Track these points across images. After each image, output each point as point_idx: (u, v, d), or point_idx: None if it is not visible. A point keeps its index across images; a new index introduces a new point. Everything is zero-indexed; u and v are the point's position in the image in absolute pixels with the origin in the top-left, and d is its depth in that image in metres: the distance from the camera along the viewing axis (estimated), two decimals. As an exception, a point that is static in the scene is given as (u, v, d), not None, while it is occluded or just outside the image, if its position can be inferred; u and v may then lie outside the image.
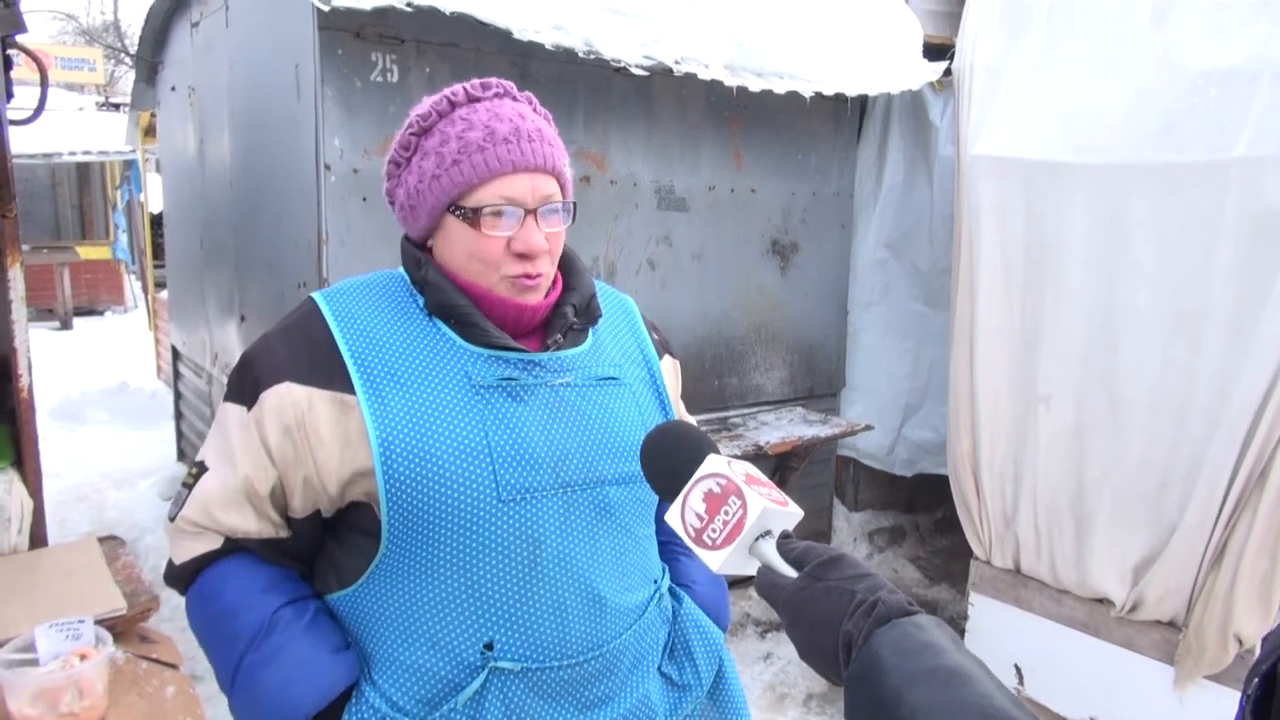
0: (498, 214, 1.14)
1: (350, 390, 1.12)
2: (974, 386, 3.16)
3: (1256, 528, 2.49)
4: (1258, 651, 0.66)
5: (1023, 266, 3.02)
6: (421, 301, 1.20)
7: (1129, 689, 2.89)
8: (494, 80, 1.21)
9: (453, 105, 1.17)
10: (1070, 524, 2.99)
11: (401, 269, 1.26)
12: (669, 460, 0.96)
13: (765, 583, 0.86)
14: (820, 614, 0.79)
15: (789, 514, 0.87)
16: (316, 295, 1.21)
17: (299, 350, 1.15)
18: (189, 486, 1.19)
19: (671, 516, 0.91)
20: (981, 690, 0.67)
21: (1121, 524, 2.85)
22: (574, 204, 1.23)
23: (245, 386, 1.16)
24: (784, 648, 3.65)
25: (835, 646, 0.77)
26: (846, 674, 0.75)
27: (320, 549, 1.24)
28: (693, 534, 0.89)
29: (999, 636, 3.23)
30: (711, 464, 0.91)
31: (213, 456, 1.19)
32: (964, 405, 3.22)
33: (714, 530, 0.87)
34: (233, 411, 1.17)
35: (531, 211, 1.15)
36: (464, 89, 1.19)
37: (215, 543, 1.18)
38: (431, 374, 1.14)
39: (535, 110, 1.22)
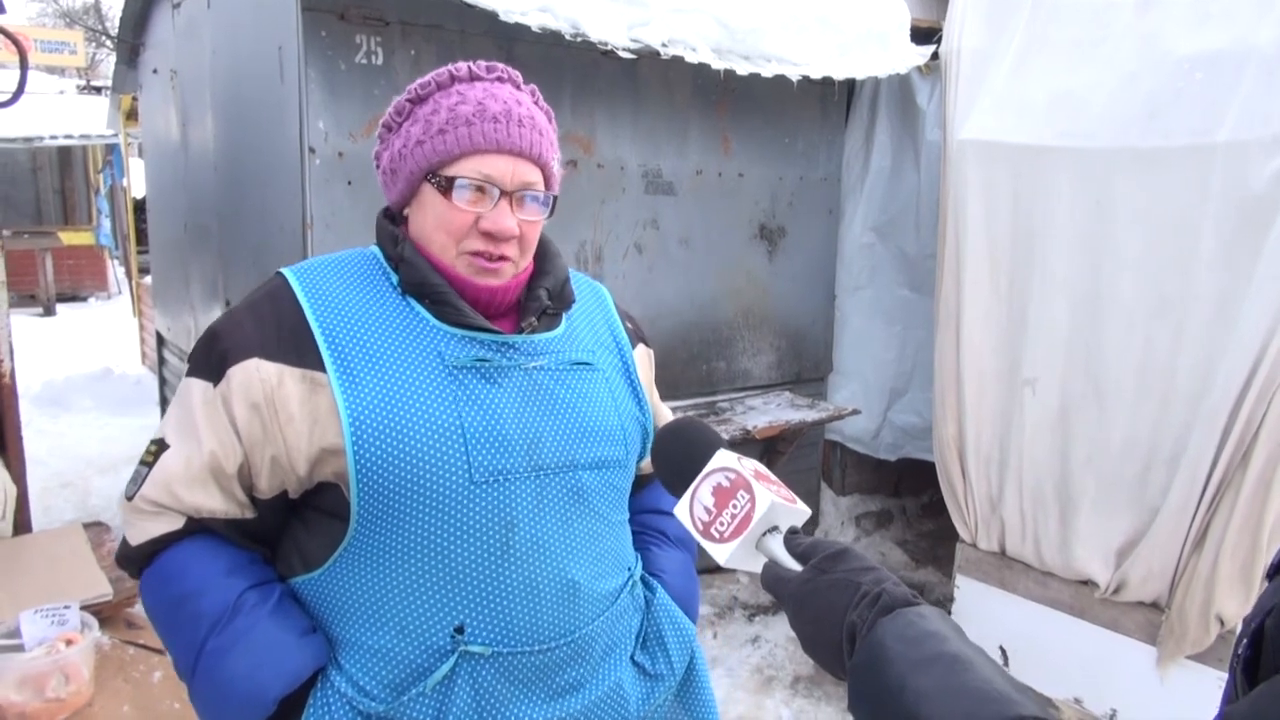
0: (473, 188, 1.13)
1: (321, 368, 1.09)
2: (960, 371, 3.18)
3: (1238, 511, 2.52)
4: (1239, 630, 0.68)
5: (1009, 251, 3.03)
6: (395, 279, 1.18)
7: (1112, 669, 2.93)
8: (500, 65, 1.21)
9: (453, 79, 1.17)
10: (1055, 507, 3.01)
11: (374, 246, 1.24)
12: (680, 454, 0.96)
13: (771, 576, 0.86)
14: (825, 605, 0.79)
15: (796, 511, 0.88)
16: (286, 270, 1.19)
17: (268, 325, 1.12)
18: (148, 464, 1.15)
19: (680, 509, 0.92)
20: (983, 675, 0.68)
21: (1105, 507, 2.87)
22: (555, 198, 1.21)
23: (211, 361, 1.12)
24: (772, 630, 3.67)
25: (840, 637, 0.77)
26: (851, 663, 0.75)
27: (284, 532, 1.20)
28: (700, 527, 0.89)
29: (984, 618, 3.26)
30: (722, 459, 0.91)
31: (174, 433, 1.14)
32: (950, 390, 3.24)
33: (722, 523, 0.87)
34: (197, 387, 1.13)
35: (508, 194, 1.15)
36: (468, 66, 1.18)
37: (175, 523, 1.13)
38: (404, 353, 1.13)
39: (536, 102, 1.21)
